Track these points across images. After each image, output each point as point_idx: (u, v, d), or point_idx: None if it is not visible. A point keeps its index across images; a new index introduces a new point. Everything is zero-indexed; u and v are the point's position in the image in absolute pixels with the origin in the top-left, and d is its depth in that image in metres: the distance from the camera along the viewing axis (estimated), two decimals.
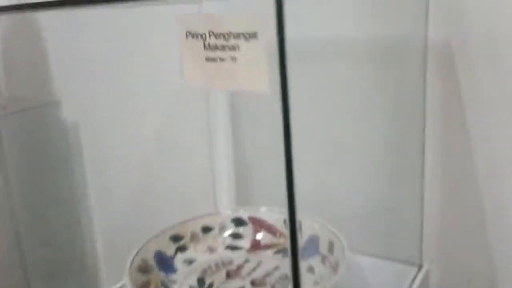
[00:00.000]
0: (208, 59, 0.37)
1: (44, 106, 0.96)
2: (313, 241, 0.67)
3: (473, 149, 0.63)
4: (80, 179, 0.99)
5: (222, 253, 0.70)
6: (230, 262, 0.68)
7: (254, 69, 0.34)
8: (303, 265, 0.65)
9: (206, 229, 0.72)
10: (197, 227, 0.72)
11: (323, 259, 0.64)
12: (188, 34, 0.38)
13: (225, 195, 0.84)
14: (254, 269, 0.66)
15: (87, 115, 0.94)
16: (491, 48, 0.59)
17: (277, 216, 0.71)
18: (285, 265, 0.66)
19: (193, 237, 0.71)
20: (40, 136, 0.93)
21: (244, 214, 0.73)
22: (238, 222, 0.73)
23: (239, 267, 0.67)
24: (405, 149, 0.69)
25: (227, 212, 0.73)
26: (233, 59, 0.35)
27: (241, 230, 0.72)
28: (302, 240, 0.68)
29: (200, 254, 0.70)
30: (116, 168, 0.92)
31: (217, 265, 0.68)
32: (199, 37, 0.37)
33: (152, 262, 0.65)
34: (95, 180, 0.98)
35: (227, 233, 0.72)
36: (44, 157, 0.94)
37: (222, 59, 0.36)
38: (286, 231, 0.70)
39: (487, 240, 0.65)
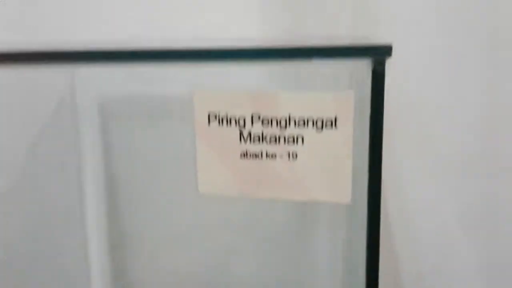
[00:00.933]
0: (246, 155, 0.24)
1: None
2: None
3: None
4: None
5: None
6: None
7: (330, 171, 0.23)
8: None
9: None
10: None
11: None
12: (211, 117, 0.24)
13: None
14: None
15: None
16: None
17: None
18: None
19: None
20: None
21: None
22: None
23: None
24: None
25: None
26: (293, 156, 0.24)
27: None
28: None
29: None
30: None
31: None
32: (233, 122, 0.24)
33: None
34: None
35: None
36: None
37: (272, 156, 0.24)
38: None
39: None
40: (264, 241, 0.61)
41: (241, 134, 0.25)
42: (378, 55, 0.24)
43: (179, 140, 0.51)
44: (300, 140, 0.24)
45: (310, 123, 0.24)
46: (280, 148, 0.25)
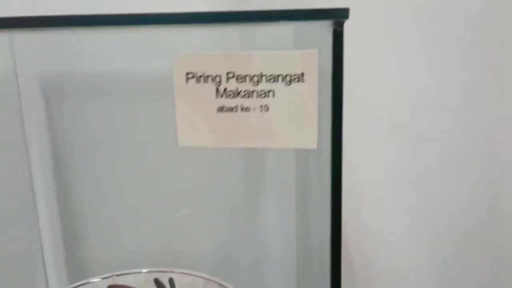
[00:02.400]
0: (222, 109, 0.27)
1: None
2: None
3: None
4: None
5: None
6: None
7: (298, 120, 0.26)
8: None
9: None
10: None
11: None
12: (189, 76, 0.26)
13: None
14: None
15: None
16: None
17: (140, 278, 0.60)
18: None
19: None
20: None
21: (101, 284, 0.58)
22: None
23: None
24: None
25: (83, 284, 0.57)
26: (265, 108, 0.27)
27: None
28: None
29: None
30: None
31: None
32: (210, 80, 0.26)
33: None
34: None
35: None
36: None
37: (246, 109, 0.26)
38: None
39: None
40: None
41: (217, 90, 0.28)
42: (337, 17, 0.27)
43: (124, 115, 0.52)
44: (271, 94, 0.28)
45: (280, 79, 0.27)
46: (253, 102, 0.28)
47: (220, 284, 0.58)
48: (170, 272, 0.59)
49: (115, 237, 0.67)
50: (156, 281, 0.60)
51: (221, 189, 0.66)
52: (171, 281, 0.60)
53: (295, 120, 0.27)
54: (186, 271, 0.60)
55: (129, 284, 0.59)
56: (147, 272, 0.59)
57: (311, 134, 0.27)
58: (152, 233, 0.67)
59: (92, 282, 0.58)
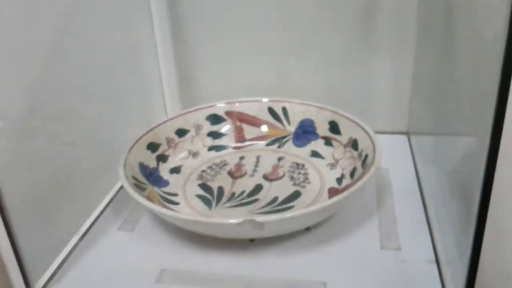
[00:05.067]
0: None
1: None
2: (306, 125, 0.61)
3: None
4: None
5: (209, 155, 0.60)
6: (225, 163, 0.58)
7: None
8: (301, 151, 0.59)
9: (181, 132, 0.60)
10: (170, 131, 0.60)
11: (328, 141, 0.59)
12: None
13: (173, 95, 0.71)
14: (256, 165, 0.58)
15: None
16: None
17: (256, 107, 0.63)
18: (288, 153, 0.59)
19: (170, 143, 0.59)
20: None
21: (218, 110, 0.63)
22: (214, 119, 0.62)
23: (239, 166, 0.58)
24: None
25: (199, 110, 0.62)
26: None
27: (219, 127, 0.62)
28: (291, 128, 0.61)
29: (183, 160, 0.59)
30: None
31: (211, 168, 0.57)
32: None
33: (140, 177, 0.52)
34: None
35: (204, 133, 0.61)
36: None
37: None
38: (272, 120, 0.63)
39: None
40: None
41: None
42: None
43: None
44: None
45: None
46: None
47: (332, 111, 0.59)
48: (288, 102, 0.62)
49: (230, 76, 0.70)
50: (270, 109, 0.63)
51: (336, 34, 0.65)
52: (284, 109, 0.62)
53: None
54: (301, 101, 0.62)
55: (244, 111, 0.63)
56: (268, 101, 0.62)
57: None
58: (267, 74, 0.69)
59: (216, 105, 0.62)
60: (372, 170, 0.46)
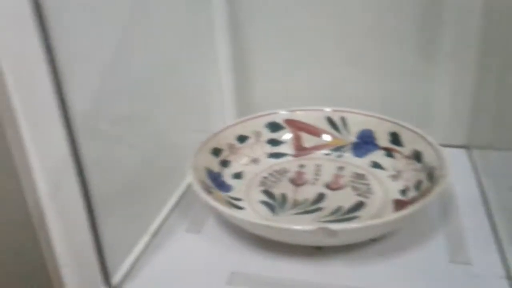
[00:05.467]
0: None
1: None
2: (366, 136, 0.61)
3: None
4: None
5: (269, 162, 0.61)
6: (285, 170, 0.59)
7: None
8: (361, 162, 0.59)
9: (242, 138, 0.61)
10: (231, 137, 0.61)
11: (389, 152, 0.59)
12: None
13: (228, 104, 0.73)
14: (317, 173, 0.58)
15: None
16: None
17: (315, 115, 0.64)
18: (348, 163, 0.59)
19: (231, 149, 0.60)
20: None
21: (278, 118, 0.64)
22: (273, 126, 0.63)
23: (300, 174, 0.58)
24: None
25: (259, 117, 0.63)
26: None
27: (278, 135, 0.63)
28: (350, 138, 0.62)
29: (245, 166, 0.60)
30: None
31: (272, 175, 0.58)
32: None
33: (208, 181, 0.54)
34: None
35: (264, 140, 0.62)
36: None
37: None
38: (331, 130, 0.63)
39: None
40: None
41: None
42: None
43: None
44: None
45: None
46: None
47: (393, 122, 0.59)
48: (348, 112, 0.62)
49: (287, 84, 0.71)
50: (329, 118, 0.63)
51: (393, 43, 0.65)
52: (343, 119, 0.63)
53: None
54: (361, 111, 0.62)
55: (303, 120, 0.64)
56: (330, 110, 0.63)
57: None
58: (322, 83, 0.70)
59: (276, 113, 0.63)
60: (443, 183, 0.46)
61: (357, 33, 0.66)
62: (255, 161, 0.60)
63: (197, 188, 0.48)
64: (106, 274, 0.41)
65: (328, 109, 0.63)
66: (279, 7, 0.67)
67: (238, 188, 0.56)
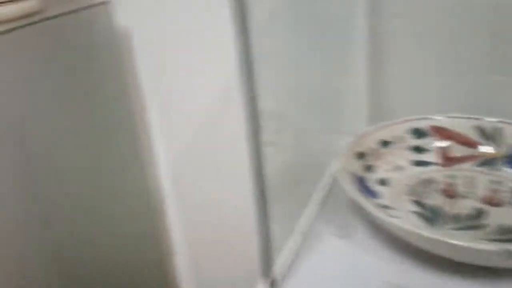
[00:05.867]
0: None
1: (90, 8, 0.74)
2: None
3: None
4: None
5: (414, 170, 0.57)
6: (433, 180, 0.55)
7: None
8: None
9: (385, 143, 0.58)
10: (374, 141, 0.58)
11: None
12: None
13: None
14: (470, 186, 0.54)
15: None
16: None
17: (462, 124, 0.59)
18: (504, 178, 0.54)
19: (374, 153, 0.57)
20: (83, 47, 0.72)
21: (420, 124, 0.60)
22: (417, 133, 0.59)
23: (450, 185, 0.54)
24: None
25: (403, 122, 0.60)
26: None
27: (423, 142, 0.59)
28: (505, 151, 0.56)
29: (389, 172, 0.56)
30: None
31: (421, 184, 0.55)
32: None
33: (355, 185, 0.51)
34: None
35: (407, 146, 0.59)
36: (89, 75, 0.73)
37: None
38: (483, 140, 0.59)
39: None
40: None
41: None
42: None
43: None
44: None
45: None
46: None
47: None
48: (503, 122, 0.57)
49: (424, 89, 0.68)
50: (480, 128, 0.58)
51: None
52: (496, 129, 0.58)
53: None
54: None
55: (450, 128, 0.59)
56: (480, 119, 0.58)
57: None
58: (463, 90, 0.65)
59: (421, 119, 0.60)
60: None
61: (505, 42, 0.61)
62: (399, 168, 0.57)
63: (353, 192, 0.46)
64: (267, 266, 0.40)
65: (478, 118, 0.58)
66: (418, 10, 0.64)
67: (386, 195, 0.53)
